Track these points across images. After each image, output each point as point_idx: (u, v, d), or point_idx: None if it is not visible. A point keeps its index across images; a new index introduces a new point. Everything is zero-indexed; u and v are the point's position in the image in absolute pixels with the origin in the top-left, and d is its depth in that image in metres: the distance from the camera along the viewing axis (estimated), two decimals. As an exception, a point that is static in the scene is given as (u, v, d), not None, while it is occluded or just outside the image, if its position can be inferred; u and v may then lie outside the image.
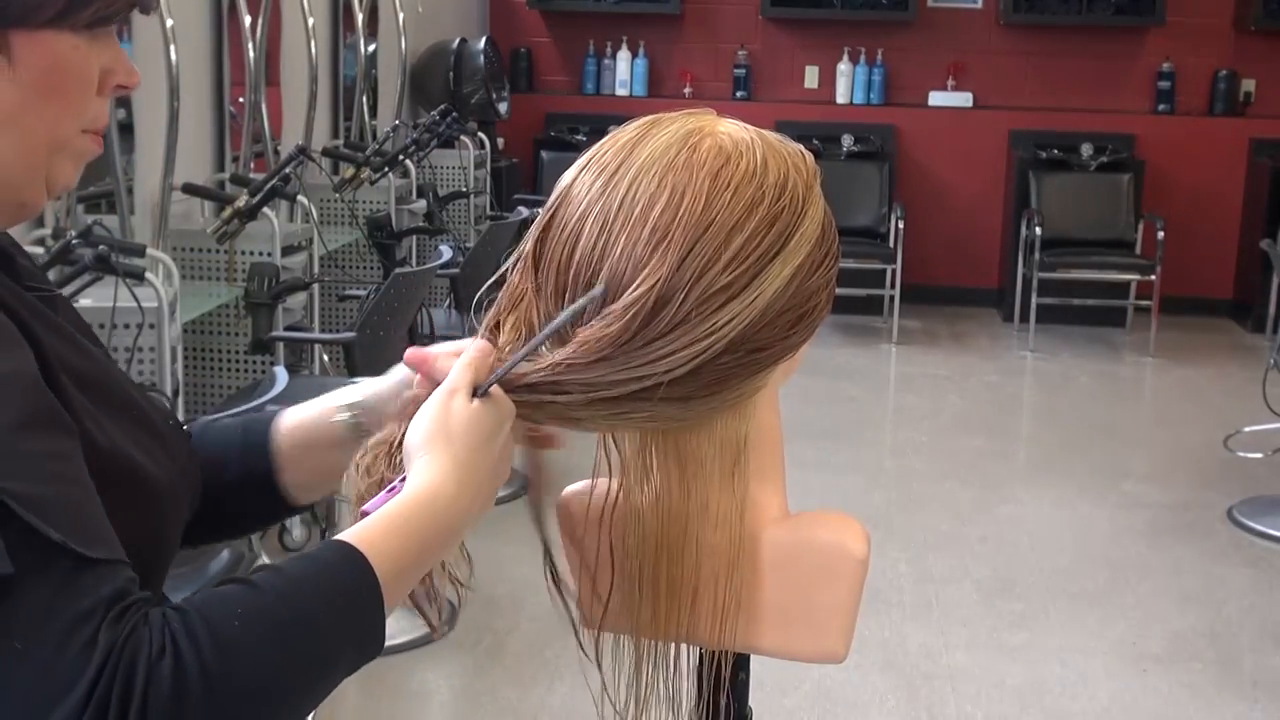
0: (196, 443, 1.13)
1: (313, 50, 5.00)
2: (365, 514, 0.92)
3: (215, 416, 1.21)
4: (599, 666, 1.06)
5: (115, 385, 0.98)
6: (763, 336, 0.97)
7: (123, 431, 0.93)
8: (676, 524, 1.03)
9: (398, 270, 3.78)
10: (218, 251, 3.90)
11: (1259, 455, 4.91)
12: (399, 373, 1.10)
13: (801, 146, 1.02)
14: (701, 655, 1.07)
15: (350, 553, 0.87)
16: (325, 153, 4.94)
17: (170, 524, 1.00)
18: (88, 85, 0.95)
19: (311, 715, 2.93)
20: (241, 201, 3.69)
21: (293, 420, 1.14)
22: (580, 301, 0.96)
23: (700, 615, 1.04)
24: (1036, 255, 6.92)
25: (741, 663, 1.08)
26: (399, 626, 3.51)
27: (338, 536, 0.89)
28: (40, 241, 3.20)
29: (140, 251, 3.20)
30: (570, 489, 1.09)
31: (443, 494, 0.93)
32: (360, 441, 1.07)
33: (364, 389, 1.13)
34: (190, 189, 3.92)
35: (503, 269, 1.04)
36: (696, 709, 1.08)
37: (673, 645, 1.07)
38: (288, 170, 3.85)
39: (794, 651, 1.06)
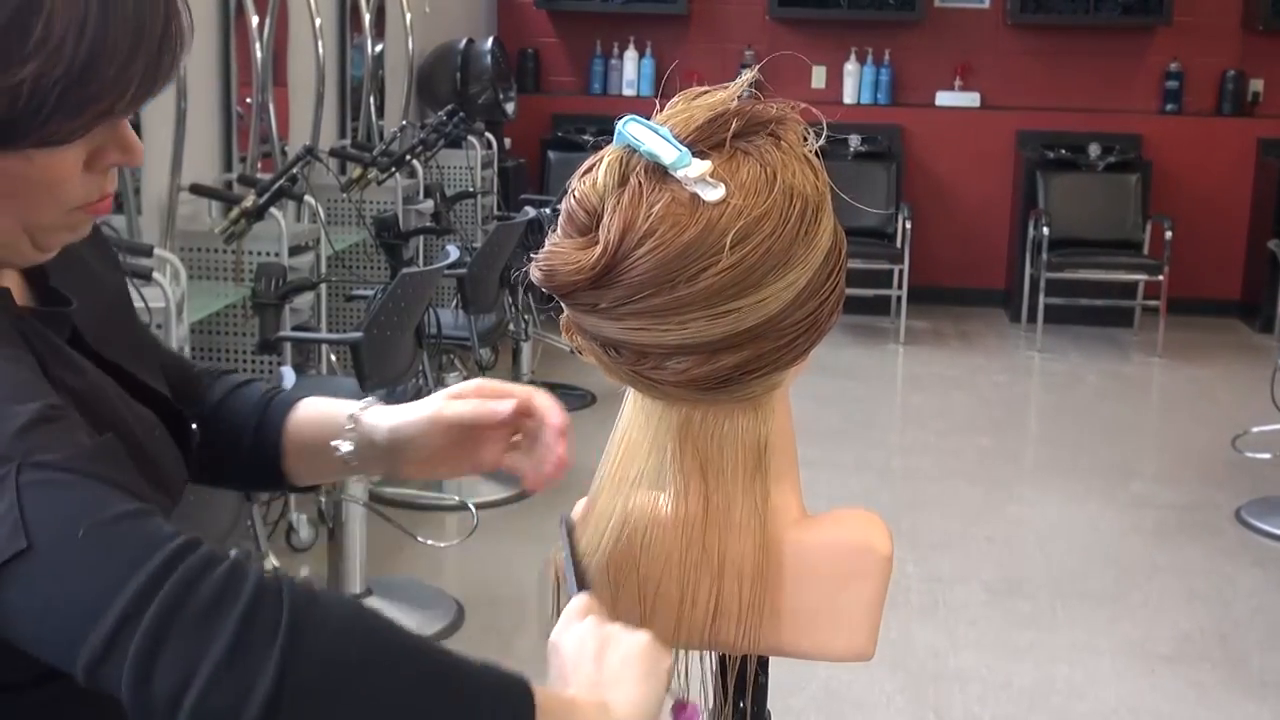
0: (220, 407, 1.19)
1: (320, 50, 5.00)
2: None
3: (242, 380, 1.23)
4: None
5: (105, 404, 0.97)
6: (774, 340, 0.96)
7: None
8: (698, 532, 1.02)
9: (405, 270, 3.78)
10: (225, 252, 3.90)
11: (1267, 456, 4.90)
12: (429, 407, 1.11)
13: (809, 152, 0.99)
14: (723, 660, 1.07)
15: (520, 678, 0.84)
16: (332, 153, 4.95)
17: None
18: (59, 182, 0.89)
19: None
20: (249, 202, 3.69)
21: (304, 417, 1.18)
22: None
23: (724, 622, 1.03)
24: (1044, 255, 6.91)
25: (762, 665, 1.08)
26: (406, 625, 3.51)
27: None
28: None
29: (148, 252, 3.21)
30: (584, 502, 1.08)
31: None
32: (354, 471, 1.14)
33: (383, 416, 1.14)
34: (198, 189, 3.93)
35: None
36: (717, 713, 1.07)
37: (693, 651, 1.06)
38: (295, 170, 3.86)
39: (822, 652, 1.05)
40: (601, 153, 0.97)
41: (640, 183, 0.93)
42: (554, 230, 0.98)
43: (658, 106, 0.99)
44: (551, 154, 7.72)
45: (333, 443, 1.14)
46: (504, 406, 1.10)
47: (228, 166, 4.44)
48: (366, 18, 5.67)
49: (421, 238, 5.22)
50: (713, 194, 0.92)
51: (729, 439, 1.01)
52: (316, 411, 1.18)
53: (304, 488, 1.22)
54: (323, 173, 4.84)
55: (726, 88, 0.99)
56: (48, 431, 0.81)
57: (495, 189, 6.53)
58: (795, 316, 0.95)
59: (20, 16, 0.82)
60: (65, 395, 0.90)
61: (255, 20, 4.44)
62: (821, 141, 1.00)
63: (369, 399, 1.18)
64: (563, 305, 0.98)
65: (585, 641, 0.91)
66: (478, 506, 4.13)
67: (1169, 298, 6.95)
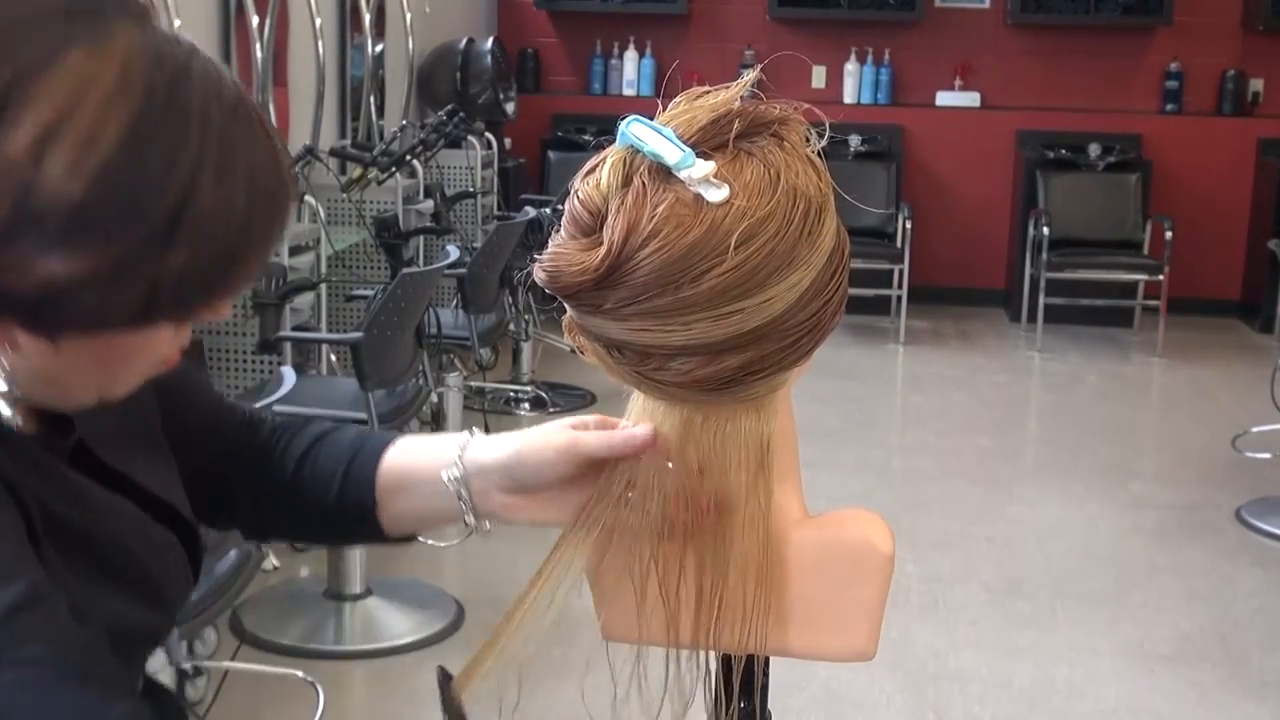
0: (303, 463, 1.13)
1: (320, 50, 5.00)
2: None
3: (325, 429, 1.17)
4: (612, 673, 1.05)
5: (107, 535, 0.94)
6: (778, 340, 0.96)
7: (101, 590, 0.90)
8: (701, 531, 1.02)
9: (405, 270, 3.79)
10: (225, 251, 3.90)
11: (1267, 455, 4.90)
12: (557, 435, 1.03)
13: (811, 153, 0.98)
14: (724, 660, 1.07)
15: None
16: (332, 153, 4.95)
17: (140, 664, 0.99)
18: (153, 348, 0.88)
19: (319, 712, 2.93)
20: (249, 201, 3.68)
21: (401, 460, 1.11)
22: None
23: (726, 621, 1.03)
24: (1044, 255, 6.92)
25: (764, 665, 1.08)
26: (406, 626, 3.51)
27: None
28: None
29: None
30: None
31: None
32: (460, 512, 1.06)
33: (494, 444, 1.07)
34: (198, 189, 3.92)
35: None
36: (715, 712, 1.07)
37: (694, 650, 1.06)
38: (295, 170, 3.86)
39: (823, 652, 1.05)
40: (604, 153, 0.96)
41: (644, 183, 0.93)
42: (558, 231, 0.98)
43: (660, 107, 0.99)
44: (551, 154, 7.72)
45: (442, 473, 1.07)
46: (642, 431, 1.00)
47: (228, 166, 4.43)
48: (366, 18, 5.67)
49: (421, 238, 5.23)
50: (716, 195, 0.92)
51: (732, 439, 1.01)
52: (414, 453, 1.11)
53: (401, 538, 1.15)
54: (323, 173, 4.84)
55: (729, 88, 0.99)
56: (27, 621, 0.77)
57: (495, 189, 6.53)
58: (799, 317, 0.95)
59: (176, 208, 0.80)
60: (62, 533, 0.87)
61: (255, 20, 4.44)
62: (824, 143, 1.00)
63: (475, 430, 1.11)
64: (566, 306, 0.98)
65: None
66: (478, 506, 4.12)
67: (1169, 298, 6.95)
